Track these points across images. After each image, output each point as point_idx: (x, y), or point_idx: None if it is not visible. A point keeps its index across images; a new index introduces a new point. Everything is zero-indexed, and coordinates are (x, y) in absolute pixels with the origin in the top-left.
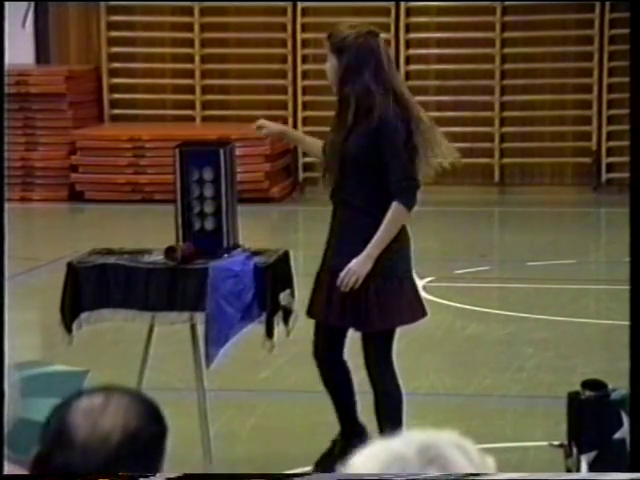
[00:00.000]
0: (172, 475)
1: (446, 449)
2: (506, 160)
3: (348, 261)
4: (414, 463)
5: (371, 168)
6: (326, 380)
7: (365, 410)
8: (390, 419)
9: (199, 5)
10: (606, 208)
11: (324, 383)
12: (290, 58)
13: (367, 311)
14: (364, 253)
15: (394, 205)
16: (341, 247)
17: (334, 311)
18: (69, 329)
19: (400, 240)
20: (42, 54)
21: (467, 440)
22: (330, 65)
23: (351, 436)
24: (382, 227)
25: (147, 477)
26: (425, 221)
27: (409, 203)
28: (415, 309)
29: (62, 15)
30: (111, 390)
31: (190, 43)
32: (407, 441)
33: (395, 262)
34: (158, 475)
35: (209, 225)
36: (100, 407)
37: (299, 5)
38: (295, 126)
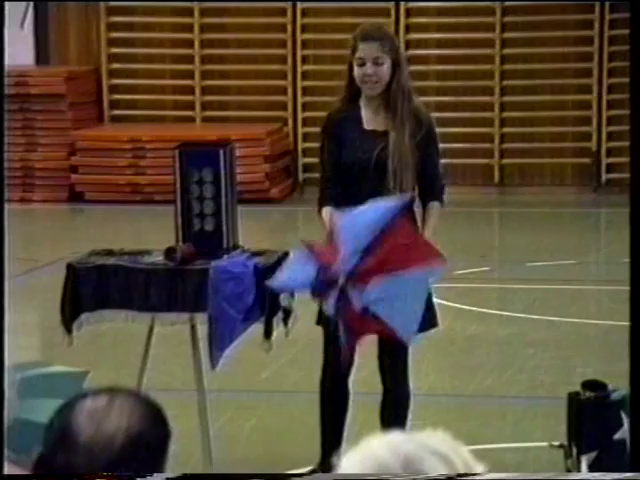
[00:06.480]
0: (172, 475)
1: (429, 464)
2: (506, 161)
3: None
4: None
5: (417, 165)
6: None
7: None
8: (398, 421)
9: (199, 6)
10: (606, 209)
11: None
12: (290, 59)
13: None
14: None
15: (437, 204)
16: None
17: None
18: (69, 330)
19: None
20: (42, 55)
21: (460, 446)
22: (387, 67)
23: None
24: (430, 223)
25: (144, 477)
26: None
27: (443, 204)
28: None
29: (62, 16)
30: (115, 392)
31: (190, 44)
32: (393, 451)
33: None
34: (156, 475)
35: (209, 226)
36: (104, 409)
37: (299, 6)
38: (295, 127)
